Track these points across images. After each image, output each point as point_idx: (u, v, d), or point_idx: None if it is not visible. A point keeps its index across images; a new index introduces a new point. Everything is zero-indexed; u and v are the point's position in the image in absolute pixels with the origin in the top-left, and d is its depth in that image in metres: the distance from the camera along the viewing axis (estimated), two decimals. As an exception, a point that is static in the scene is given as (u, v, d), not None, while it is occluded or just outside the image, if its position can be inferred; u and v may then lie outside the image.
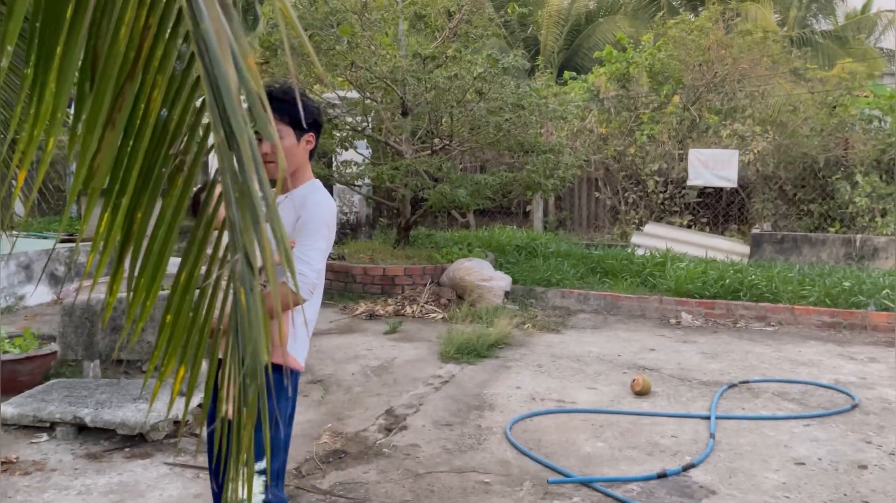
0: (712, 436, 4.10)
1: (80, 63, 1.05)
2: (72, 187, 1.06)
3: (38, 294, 7.31)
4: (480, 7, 8.54)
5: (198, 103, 1.08)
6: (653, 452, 3.94)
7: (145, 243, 1.13)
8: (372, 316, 7.27)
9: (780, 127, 10.21)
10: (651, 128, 10.81)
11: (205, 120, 1.07)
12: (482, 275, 7.67)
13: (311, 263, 2.17)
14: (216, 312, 1.15)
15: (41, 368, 4.73)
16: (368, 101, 8.49)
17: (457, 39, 8.61)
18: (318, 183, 2.40)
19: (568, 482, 3.54)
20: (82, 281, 4.42)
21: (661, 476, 3.59)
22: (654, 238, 9.98)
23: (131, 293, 1.12)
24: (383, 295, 7.92)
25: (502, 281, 7.76)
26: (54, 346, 4.73)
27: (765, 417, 4.47)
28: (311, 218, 2.23)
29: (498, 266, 8.40)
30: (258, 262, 1.02)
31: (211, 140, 1.05)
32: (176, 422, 4.01)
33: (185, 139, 1.09)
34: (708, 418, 4.41)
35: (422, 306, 7.47)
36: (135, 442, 3.92)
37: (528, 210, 12.15)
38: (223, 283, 1.12)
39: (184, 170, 1.09)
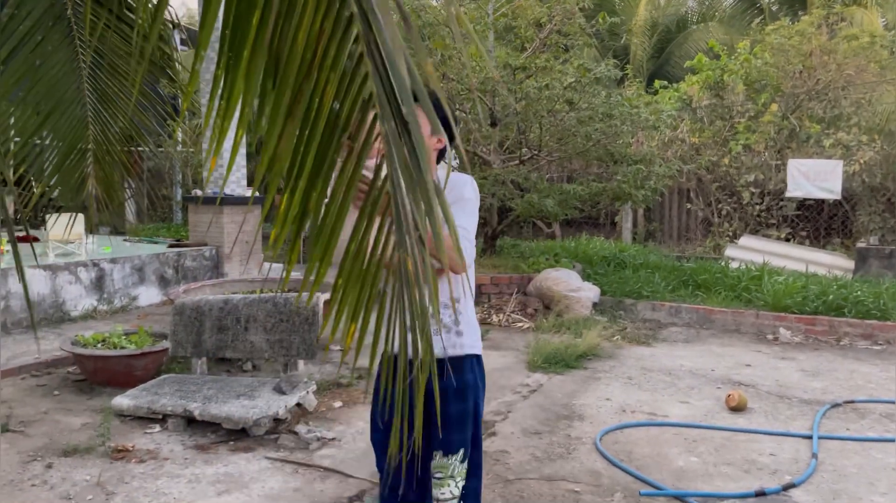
0: (815, 455, 3.94)
1: (264, 64, 1.19)
2: (256, 172, 1.22)
3: (149, 295, 7.80)
4: (571, 17, 8.53)
5: (365, 96, 1.20)
6: (750, 470, 3.82)
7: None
8: (459, 323, 7.34)
9: (889, 136, 9.67)
10: (747, 137, 10.46)
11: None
12: (570, 285, 7.62)
13: (468, 235, 2.20)
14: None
15: (154, 364, 5.04)
16: (458, 113, 8.62)
17: (547, 50, 8.63)
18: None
19: (660, 495, 3.49)
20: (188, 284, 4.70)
21: (760, 494, 3.48)
22: (750, 251, 9.64)
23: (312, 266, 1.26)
24: (470, 303, 7.98)
25: (590, 292, 7.69)
26: (166, 343, 5.04)
27: (872, 439, 4.26)
28: (460, 195, 2.22)
29: (585, 277, 8.32)
30: (427, 240, 1.13)
31: (377, 129, 1.17)
32: (276, 420, 4.19)
33: (354, 129, 1.21)
34: (810, 437, 4.24)
35: (508, 315, 7.50)
36: (238, 436, 4.13)
37: (615, 221, 11.98)
38: (389, 249, 1.24)
39: (353, 156, 1.21)
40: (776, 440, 4.25)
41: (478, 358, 2.43)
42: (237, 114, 1.23)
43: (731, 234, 10.72)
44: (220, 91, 1.22)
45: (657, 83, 12.51)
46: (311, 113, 1.21)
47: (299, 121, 1.21)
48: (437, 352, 2.19)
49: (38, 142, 3.20)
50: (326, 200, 1.25)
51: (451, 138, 2.25)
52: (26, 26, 2.72)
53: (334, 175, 1.24)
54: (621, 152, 8.39)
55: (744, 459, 3.96)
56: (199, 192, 8.93)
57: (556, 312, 7.41)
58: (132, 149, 3.50)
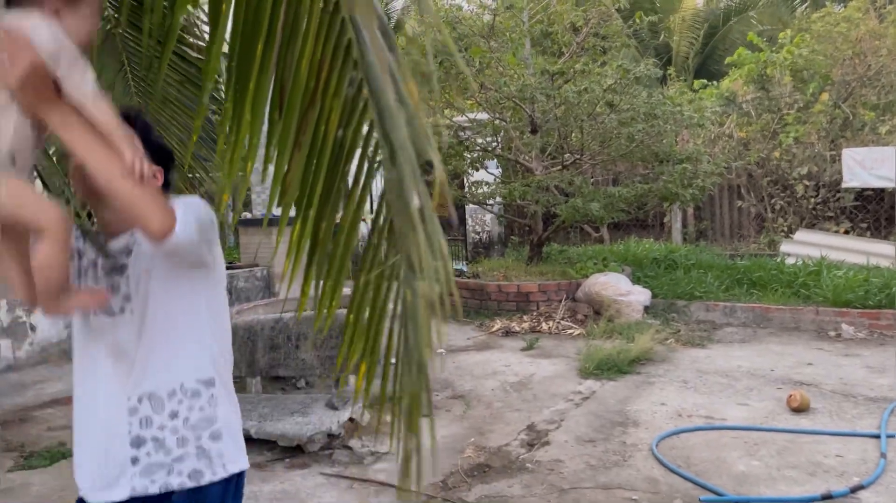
0: (883, 455, 3.78)
1: (269, 93, 1.21)
2: (268, 202, 1.24)
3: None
4: (608, 19, 8.46)
5: (367, 123, 1.21)
6: (815, 472, 3.69)
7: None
8: (508, 332, 7.32)
9: (949, 118, 9.28)
10: (797, 129, 10.17)
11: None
12: (619, 289, 7.52)
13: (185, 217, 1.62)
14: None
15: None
16: (498, 122, 8.62)
17: (584, 53, 8.57)
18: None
19: (722, 501, 3.39)
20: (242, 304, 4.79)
21: (826, 498, 3.35)
22: (806, 245, 9.34)
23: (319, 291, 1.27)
24: (518, 311, 7.95)
25: (641, 295, 7.57)
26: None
27: (946, 437, 4.06)
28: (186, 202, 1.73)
29: (636, 280, 8.20)
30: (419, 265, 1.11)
31: (380, 156, 1.17)
32: (330, 435, 4.24)
33: (358, 156, 1.22)
34: (878, 437, 4.07)
35: (558, 322, 7.43)
36: (293, 453, 4.19)
37: (664, 221, 11.77)
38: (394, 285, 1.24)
39: (359, 184, 1.22)
40: (842, 440, 4.10)
41: (239, 478, 1.79)
42: (222, 142, 1.25)
43: (785, 229, 10.41)
44: (229, 123, 1.24)
45: (696, 82, 12.29)
46: (317, 141, 1.22)
47: (306, 149, 1.22)
48: (160, 485, 1.67)
49: None
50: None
51: (168, 165, 1.75)
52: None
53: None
54: (666, 152, 8.26)
55: (808, 461, 3.82)
56: (248, 215, 9.14)
57: (606, 317, 7.32)
58: (187, 175, 3.61)
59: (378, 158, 1.20)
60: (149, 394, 1.67)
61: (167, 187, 1.76)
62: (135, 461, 1.67)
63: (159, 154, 1.69)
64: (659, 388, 5.24)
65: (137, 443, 1.67)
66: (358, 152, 1.23)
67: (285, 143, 1.21)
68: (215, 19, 1.24)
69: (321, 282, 1.30)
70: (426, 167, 1.07)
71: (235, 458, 1.76)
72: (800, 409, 4.58)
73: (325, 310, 1.29)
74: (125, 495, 1.67)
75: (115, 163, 1.37)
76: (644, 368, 5.79)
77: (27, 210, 1.37)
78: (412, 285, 1.05)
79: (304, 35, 1.19)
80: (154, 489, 1.67)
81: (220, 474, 1.72)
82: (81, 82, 1.32)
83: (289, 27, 1.19)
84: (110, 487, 1.68)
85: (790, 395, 4.68)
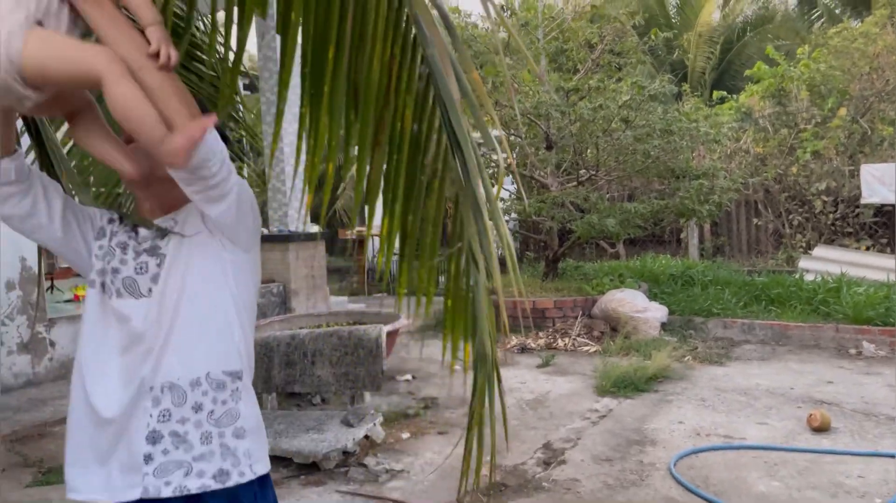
0: (907, 477, 3.72)
1: (344, 96, 1.24)
2: (355, 201, 1.28)
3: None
4: (623, 36, 8.48)
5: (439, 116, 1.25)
6: (837, 493, 3.63)
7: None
8: (524, 349, 7.29)
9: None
10: (815, 144, 10.10)
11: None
12: (636, 306, 7.47)
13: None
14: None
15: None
16: (513, 138, 8.65)
17: (599, 70, 8.59)
18: None
19: (741, 523, 3.34)
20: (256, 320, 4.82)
21: (849, 520, 3.30)
22: (825, 262, 9.24)
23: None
24: (534, 328, 7.92)
25: (658, 312, 7.51)
26: (237, 380, 5.16)
27: (971, 458, 3.99)
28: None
29: (652, 296, 8.14)
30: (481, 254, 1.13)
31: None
32: (345, 453, 4.23)
33: (434, 150, 1.25)
34: (901, 458, 4.00)
35: (574, 339, 7.40)
36: (309, 470, 4.18)
37: (681, 237, 11.71)
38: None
39: (437, 176, 1.25)
40: (864, 461, 4.03)
41: (262, 481, 1.66)
42: (300, 147, 1.27)
43: (804, 245, 10.32)
44: (306, 128, 1.27)
45: (715, 94, 12.26)
46: (394, 138, 1.24)
47: (385, 147, 1.24)
48: (175, 488, 1.54)
49: (119, 191, 3.38)
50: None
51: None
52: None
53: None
54: (682, 168, 8.23)
55: (830, 482, 3.76)
56: (265, 231, 9.21)
57: (623, 334, 7.27)
58: None
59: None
60: (169, 384, 1.54)
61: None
62: (148, 459, 1.52)
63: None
64: (677, 407, 5.19)
65: (153, 438, 1.52)
66: (434, 145, 1.27)
67: (364, 143, 1.23)
68: (285, 29, 1.27)
69: (416, 273, 1.34)
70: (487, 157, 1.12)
71: (261, 458, 1.65)
72: (820, 429, 4.51)
73: (423, 297, 1.32)
74: (134, 497, 1.53)
75: (145, 51, 1.29)
76: (661, 386, 5.74)
77: (69, 62, 1.26)
78: (473, 275, 1.08)
79: (372, 36, 1.22)
80: (167, 492, 1.52)
81: (248, 475, 1.59)
82: None
83: (357, 30, 1.22)
84: (116, 488, 1.54)
85: (810, 415, 4.62)
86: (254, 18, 1.30)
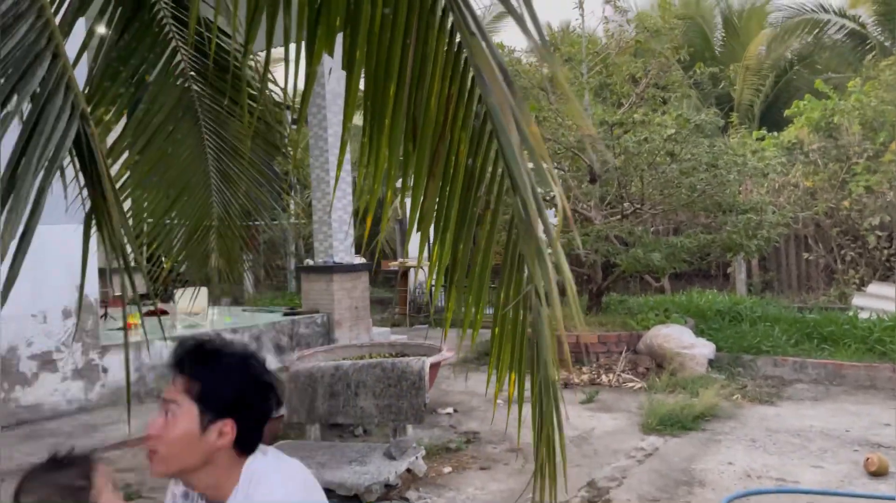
0: (974, 528, 3.54)
1: (403, 129, 1.32)
2: (408, 228, 1.35)
3: (267, 362, 8.13)
4: (668, 70, 8.48)
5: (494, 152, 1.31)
6: (898, 543, 3.47)
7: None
8: (567, 384, 7.20)
9: None
10: (867, 178, 9.87)
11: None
12: (682, 342, 7.33)
13: None
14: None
15: (272, 430, 5.22)
16: (556, 171, 8.66)
17: (644, 104, 8.58)
18: (260, 474, 1.49)
19: (796, 571, 3.22)
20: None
21: (911, 571, 3.15)
22: (880, 299, 8.95)
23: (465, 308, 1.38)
24: (577, 363, 7.83)
25: (705, 348, 7.36)
26: (282, 410, 5.22)
27: None
28: None
29: (699, 332, 7.98)
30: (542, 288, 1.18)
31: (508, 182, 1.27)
32: (387, 486, 4.22)
33: (487, 182, 1.32)
34: (966, 507, 3.82)
35: (618, 375, 7.28)
36: (350, 502, 4.18)
37: (728, 272, 11.48)
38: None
39: (490, 207, 1.31)
40: (927, 509, 3.85)
41: None
42: (344, 180, 1.34)
43: (857, 281, 10.02)
44: (367, 157, 1.34)
45: (756, 133, 12.11)
46: (449, 170, 1.31)
47: (440, 178, 1.31)
48: None
49: (168, 222, 3.49)
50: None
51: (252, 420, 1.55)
52: (159, 119, 3.01)
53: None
54: (729, 202, 8.12)
55: (890, 531, 3.61)
56: (310, 262, 9.34)
57: (668, 371, 7.13)
58: (250, 223, 3.76)
59: (506, 185, 1.29)
60: None
61: (248, 446, 1.50)
62: None
63: (236, 407, 1.46)
64: (726, 447, 5.05)
65: None
66: (487, 178, 1.33)
67: (420, 174, 1.31)
68: (350, 66, 1.36)
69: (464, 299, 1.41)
70: (549, 200, 1.17)
71: None
72: (878, 473, 4.34)
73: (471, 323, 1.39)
74: None
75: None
76: (709, 425, 5.59)
77: None
78: (539, 310, 1.11)
79: (431, 75, 1.29)
80: None
81: None
82: None
83: (417, 68, 1.31)
84: None
85: (867, 458, 4.45)
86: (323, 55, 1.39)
